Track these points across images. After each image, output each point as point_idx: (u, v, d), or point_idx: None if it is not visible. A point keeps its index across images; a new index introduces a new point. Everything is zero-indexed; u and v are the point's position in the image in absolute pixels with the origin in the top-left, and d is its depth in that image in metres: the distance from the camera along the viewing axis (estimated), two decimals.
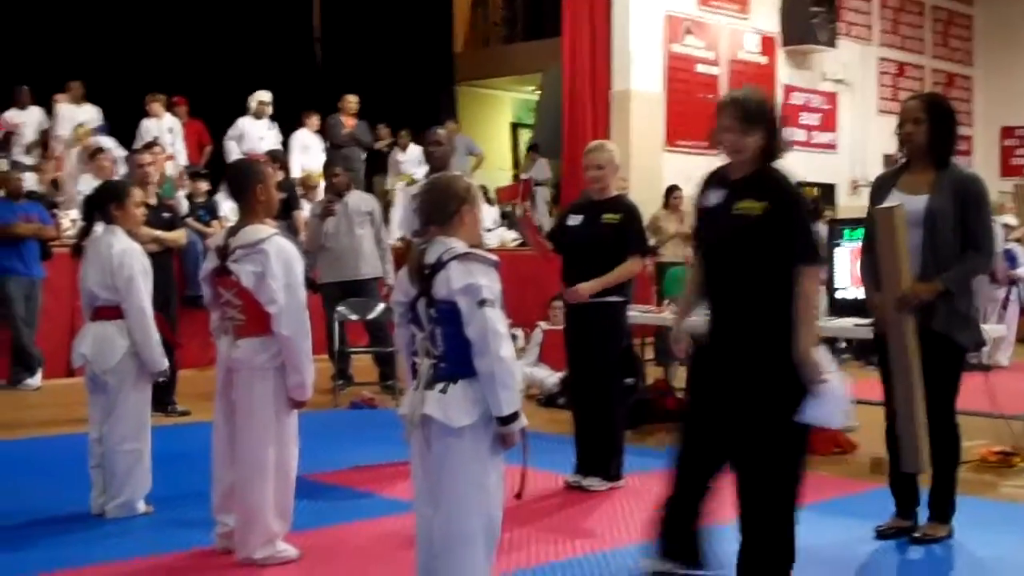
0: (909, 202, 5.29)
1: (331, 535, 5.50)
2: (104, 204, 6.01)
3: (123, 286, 5.79)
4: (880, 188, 5.58)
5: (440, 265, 3.81)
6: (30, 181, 12.10)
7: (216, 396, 5.25)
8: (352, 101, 14.88)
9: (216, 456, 5.25)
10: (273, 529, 5.04)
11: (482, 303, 3.74)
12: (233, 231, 5.11)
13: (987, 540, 5.55)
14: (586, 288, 6.51)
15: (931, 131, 5.35)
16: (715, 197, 4.47)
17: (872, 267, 5.47)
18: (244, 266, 4.96)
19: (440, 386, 3.82)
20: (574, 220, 6.80)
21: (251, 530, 5.00)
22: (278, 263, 4.95)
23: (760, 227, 4.24)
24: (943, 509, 5.48)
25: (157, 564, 5.09)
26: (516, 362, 3.82)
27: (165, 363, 5.98)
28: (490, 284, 3.78)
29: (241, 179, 5.23)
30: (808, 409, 4.18)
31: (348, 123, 14.84)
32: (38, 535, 5.49)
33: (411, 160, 15.08)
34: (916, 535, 5.45)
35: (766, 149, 4.40)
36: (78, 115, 13.74)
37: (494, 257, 3.88)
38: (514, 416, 3.77)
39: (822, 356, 4.24)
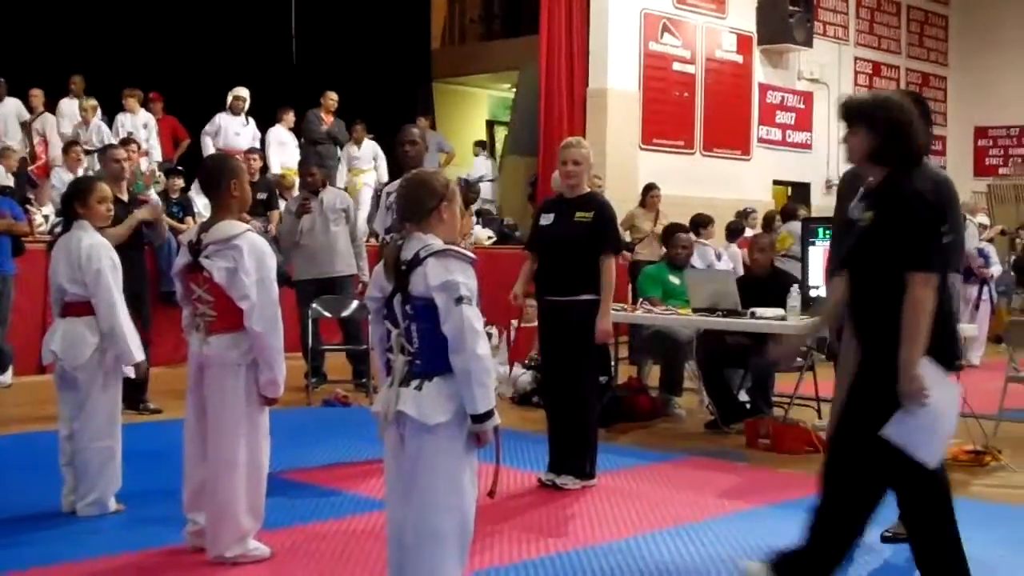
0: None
1: (303, 533, 5.48)
2: (75, 200, 5.99)
3: (91, 280, 5.75)
4: (848, 185, 5.43)
5: (417, 261, 3.79)
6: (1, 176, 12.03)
7: (187, 393, 5.21)
8: (332, 98, 14.82)
9: (187, 453, 5.22)
10: (244, 527, 5.02)
11: (459, 300, 3.72)
12: (205, 227, 5.07)
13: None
14: (607, 324, 6.55)
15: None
16: (855, 209, 4.35)
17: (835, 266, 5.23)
18: (216, 262, 4.92)
19: (415, 383, 3.80)
20: (546, 219, 6.78)
21: (222, 528, 4.98)
22: (251, 259, 4.91)
23: (869, 236, 4.16)
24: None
25: (128, 562, 5.06)
26: (492, 360, 3.81)
27: (140, 355, 5.93)
28: (467, 281, 3.76)
29: (215, 174, 5.18)
30: (894, 425, 4.00)
31: (327, 120, 14.79)
32: (9, 533, 5.45)
33: (365, 156, 15.05)
34: (886, 533, 5.42)
35: (876, 152, 4.24)
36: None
37: (471, 254, 3.87)
38: (489, 414, 3.76)
39: (930, 371, 4.00)
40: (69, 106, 13.87)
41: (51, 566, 4.96)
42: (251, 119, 14.39)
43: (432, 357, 3.79)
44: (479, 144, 18.31)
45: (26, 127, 13.77)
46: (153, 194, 11.91)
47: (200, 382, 5.09)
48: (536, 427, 7.74)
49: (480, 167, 17.54)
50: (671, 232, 9.93)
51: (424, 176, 4.11)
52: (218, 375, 5.00)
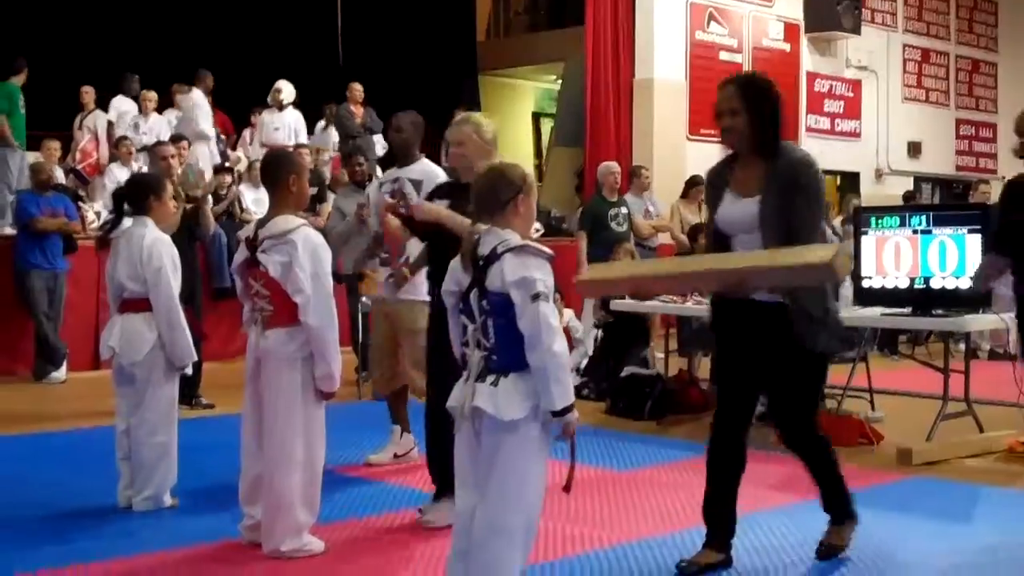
0: (742, 209, 4.71)
1: (357, 527, 5.51)
2: (141, 196, 6.01)
3: (152, 277, 5.80)
4: (713, 188, 4.96)
5: (494, 257, 3.79)
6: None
7: (245, 387, 5.25)
8: (358, 89, 14.70)
9: (244, 447, 5.26)
10: (300, 521, 5.05)
11: (535, 297, 3.71)
12: (262, 222, 5.14)
13: (1014, 531, 5.52)
14: (438, 210, 5.47)
15: (752, 121, 4.69)
16: None
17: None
18: (272, 256, 4.98)
19: (491, 378, 3.80)
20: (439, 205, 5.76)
21: (278, 521, 5.01)
22: (305, 253, 4.97)
23: None
24: (839, 510, 5.05)
25: (184, 556, 5.10)
26: (568, 356, 3.80)
27: (193, 356, 6.00)
28: (544, 278, 3.76)
29: (275, 168, 5.26)
30: None
31: (357, 112, 14.78)
32: (66, 528, 5.51)
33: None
34: (819, 547, 5.04)
35: None
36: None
37: (549, 250, 3.84)
38: (567, 409, 3.74)
39: None
40: (124, 103, 13.96)
41: (108, 560, 5.00)
42: (296, 113, 14.42)
43: (508, 353, 3.78)
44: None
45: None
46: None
47: (257, 376, 5.13)
48: (585, 420, 7.73)
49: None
50: (695, 232, 9.99)
51: (501, 168, 4.08)
52: (275, 369, 5.05)
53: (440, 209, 5.47)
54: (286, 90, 14.27)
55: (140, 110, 13.82)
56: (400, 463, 6.93)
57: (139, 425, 5.83)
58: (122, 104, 14.00)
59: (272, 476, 5.03)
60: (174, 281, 5.89)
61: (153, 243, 5.84)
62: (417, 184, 6.63)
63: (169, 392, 5.94)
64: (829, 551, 5.02)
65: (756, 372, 4.80)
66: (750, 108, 4.70)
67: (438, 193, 5.91)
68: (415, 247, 6.25)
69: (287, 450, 5.02)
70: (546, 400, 3.72)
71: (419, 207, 5.65)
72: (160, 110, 13.97)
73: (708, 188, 5.05)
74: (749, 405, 4.93)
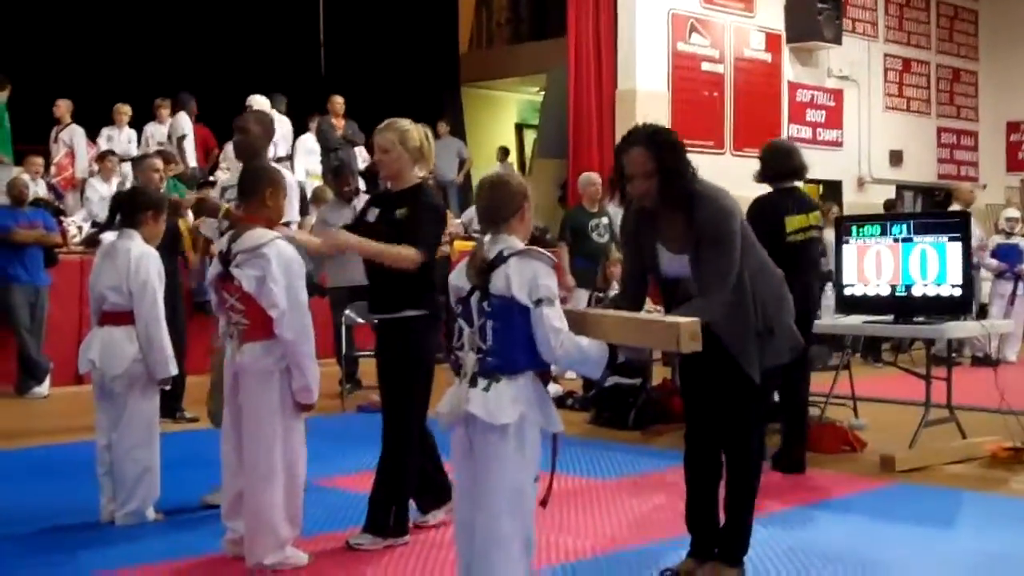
0: (679, 263, 4.61)
1: (341, 540, 5.48)
2: (138, 209, 5.98)
3: (137, 290, 5.77)
4: (639, 237, 4.77)
5: (500, 260, 3.86)
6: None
7: (225, 402, 5.23)
8: (339, 102, 14.74)
9: (225, 461, 5.25)
10: (282, 535, 5.03)
11: (539, 302, 3.79)
12: (235, 236, 5.08)
13: (997, 536, 5.54)
14: (345, 239, 5.38)
15: (668, 179, 4.55)
16: None
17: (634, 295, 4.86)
18: (246, 271, 4.94)
19: (483, 383, 3.85)
20: (371, 215, 5.61)
21: (260, 535, 4.99)
22: (279, 267, 4.92)
23: None
24: (733, 549, 4.81)
25: (167, 570, 5.08)
26: (581, 351, 3.85)
27: (174, 370, 5.96)
28: (547, 282, 3.83)
29: (252, 181, 5.21)
30: None
31: (338, 124, 14.76)
32: (49, 542, 5.49)
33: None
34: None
35: None
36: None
37: (552, 256, 3.93)
38: (613, 358, 3.91)
39: None
40: (157, 129, 13.94)
41: (90, 574, 4.98)
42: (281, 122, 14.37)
43: (503, 355, 3.84)
44: (502, 150, 18.22)
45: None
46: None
47: (236, 390, 5.10)
48: (570, 430, 7.74)
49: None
50: None
51: (508, 179, 4.18)
52: (252, 383, 5.02)
53: (348, 238, 5.34)
54: (255, 104, 14.21)
55: (114, 122, 13.79)
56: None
57: (120, 439, 5.80)
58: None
59: (253, 490, 5.00)
60: (159, 295, 5.87)
61: (141, 256, 5.82)
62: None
63: (149, 406, 5.92)
64: None
65: (710, 387, 4.74)
66: (663, 167, 4.56)
67: (372, 203, 5.70)
68: None
69: (267, 464, 4.99)
70: (588, 372, 3.97)
71: (327, 237, 5.59)
72: (134, 124, 13.94)
73: (631, 238, 4.81)
74: (714, 416, 4.80)
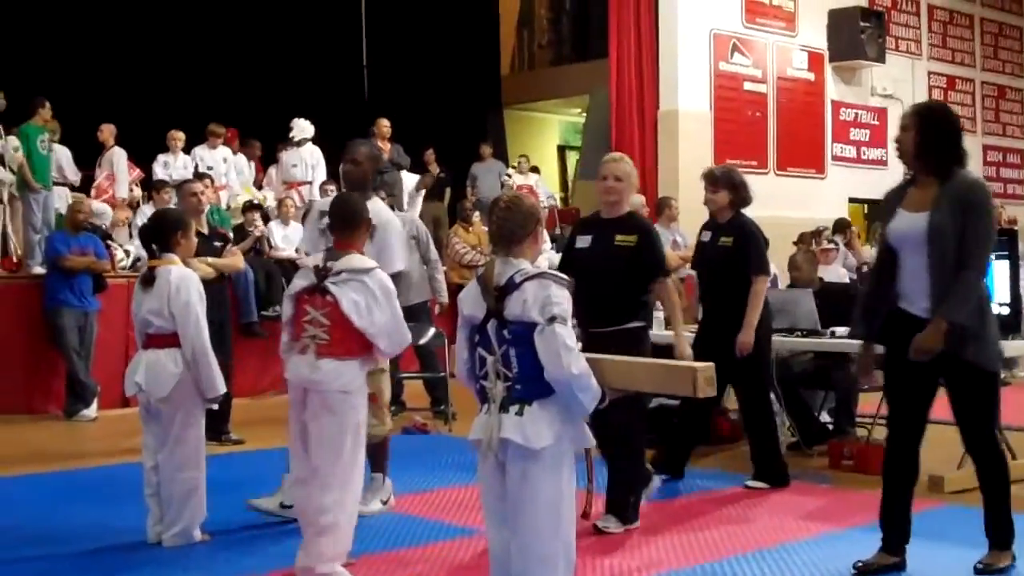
0: (912, 222, 5.03)
1: (382, 561, 5.49)
2: (166, 233, 6.06)
3: (180, 311, 5.81)
4: (888, 205, 5.29)
5: (513, 286, 3.84)
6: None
7: (290, 417, 5.22)
8: (385, 125, 14.71)
9: (294, 475, 5.26)
10: (342, 547, 5.08)
11: (552, 320, 3.76)
12: (333, 256, 5.18)
13: None
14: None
15: (918, 138, 5.07)
16: None
17: (872, 298, 5.32)
18: (345, 290, 5.05)
19: (515, 408, 3.83)
20: (583, 241, 6.28)
21: (323, 544, 5.00)
22: (381, 291, 5.10)
23: None
24: (1003, 536, 5.18)
25: None
26: (591, 376, 3.82)
27: (223, 388, 5.99)
28: (561, 301, 3.81)
29: (356, 215, 5.36)
30: None
31: (384, 147, 14.78)
32: (97, 564, 5.53)
33: None
34: (978, 565, 5.16)
35: None
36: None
37: (566, 277, 3.92)
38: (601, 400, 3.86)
39: None
40: (207, 154, 14.08)
41: None
42: (314, 148, 14.40)
43: (532, 381, 3.82)
44: (534, 170, 18.20)
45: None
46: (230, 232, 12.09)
47: (303, 405, 5.13)
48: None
49: (540, 191, 17.39)
50: None
51: (524, 201, 4.16)
52: (328, 398, 5.06)
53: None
54: (297, 127, 14.29)
55: (168, 149, 13.91)
56: (386, 509, 6.64)
57: (167, 461, 5.84)
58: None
59: (322, 498, 5.03)
60: (202, 314, 5.91)
61: (180, 278, 5.87)
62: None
63: (196, 427, 5.95)
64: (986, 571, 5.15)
65: (923, 385, 5.08)
66: (919, 127, 5.09)
67: (582, 229, 6.46)
68: None
69: (340, 476, 5.06)
70: (579, 410, 3.82)
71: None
72: (187, 150, 14.06)
73: (883, 205, 5.40)
74: (920, 417, 5.19)
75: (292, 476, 5.30)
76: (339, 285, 5.06)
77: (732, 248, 7.07)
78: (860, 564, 5.16)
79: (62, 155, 12.79)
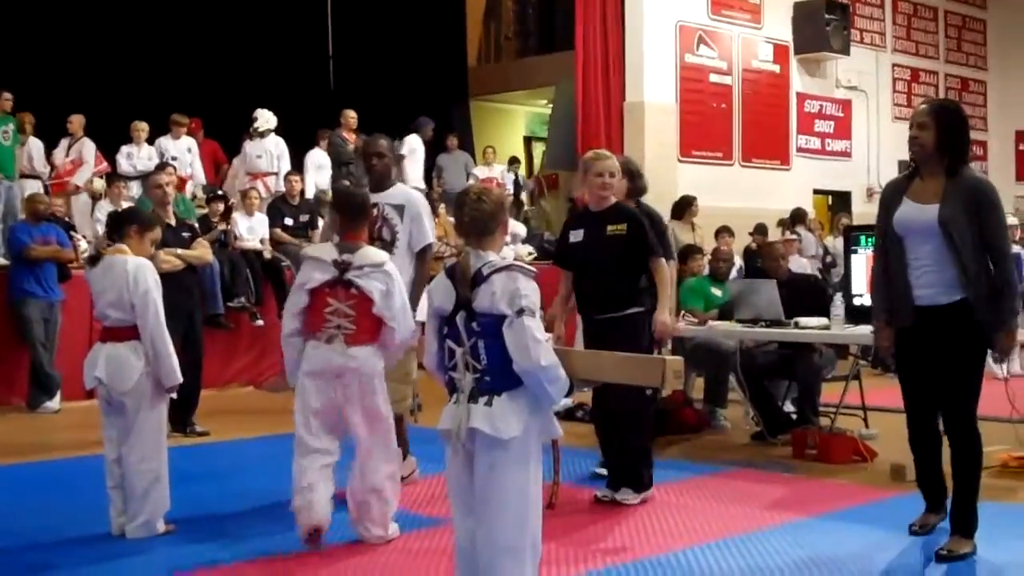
0: (920, 212, 5.33)
1: (352, 551, 5.49)
2: (123, 224, 6.05)
3: (139, 301, 5.78)
4: (892, 195, 5.57)
5: (481, 278, 3.84)
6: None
7: (317, 400, 5.59)
8: (352, 116, 14.72)
9: (319, 449, 5.63)
10: (392, 507, 5.73)
11: (520, 312, 3.76)
12: (348, 249, 5.61)
13: (1007, 546, 5.52)
14: (665, 316, 6.39)
15: (938, 137, 5.32)
16: None
17: (885, 286, 5.56)
18: (372, 282, 5.52)
19: (484, 399, 3.83)
20: (575, 236, 6.57)
21: (378, 509, 5.62)
22: (397, 283, 5.63)
23: None
24: (966, 524, 5.34)
25: None
26: (560, 367, 3.83)
27: (180, 377, 5.96)
28: (530, 294, 3.81)
29: (362, 209, 5.84)
30: None
31: (351, 138, 14.75)
32: (60, 556, 5.49)
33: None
34: (941, 551, 5.29)
35: None
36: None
37: (534, 269, 3.93)
38: (569, 393, 3.93)
39: None
40: (171, 144, 13.99)
41: None
42: (278, 139, 14.33)
43: (501, 373, 3.83)
44: (513, 161, 18.27)
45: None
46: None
47: (335, 387, 5.57)
48: (582, 442, 7.74)
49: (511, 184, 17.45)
50: (685, 254, 10.06)
51: (494, 194, 4.17)
52: (367, 380, 5.59)
53: (664, 311, 6.45)
54: (262, 117, 14.21)
55: (132, 140, 13.81)
56: (406, 483, 6.86)
57: (129, 452, 5.81)
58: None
59: (375, 469, 5.60)
60: (160, 303, 5.88)
61: (137, 267, 5.84)
62: (399, 209, 6.68)
63: (158, 418, 5.94)
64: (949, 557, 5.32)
65: (932, 365, 5.37)
66: (938, 125, 5.33)
67: (573, 224, 6.69)
68: None
69: (393, 448, 5.74)
70: (546, 401, 3.86)
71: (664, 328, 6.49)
72: (151, 140, 13.97)
73: (886, 194, 5.65)
74: (931, 396, 5.46)
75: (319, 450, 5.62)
76: (364, 279, 5.52)
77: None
78: (915, 526, 5.65)
79: (34, 148, 12.74)
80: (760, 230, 14.34)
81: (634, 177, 7.15)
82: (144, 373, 5.80)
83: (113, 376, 5.80)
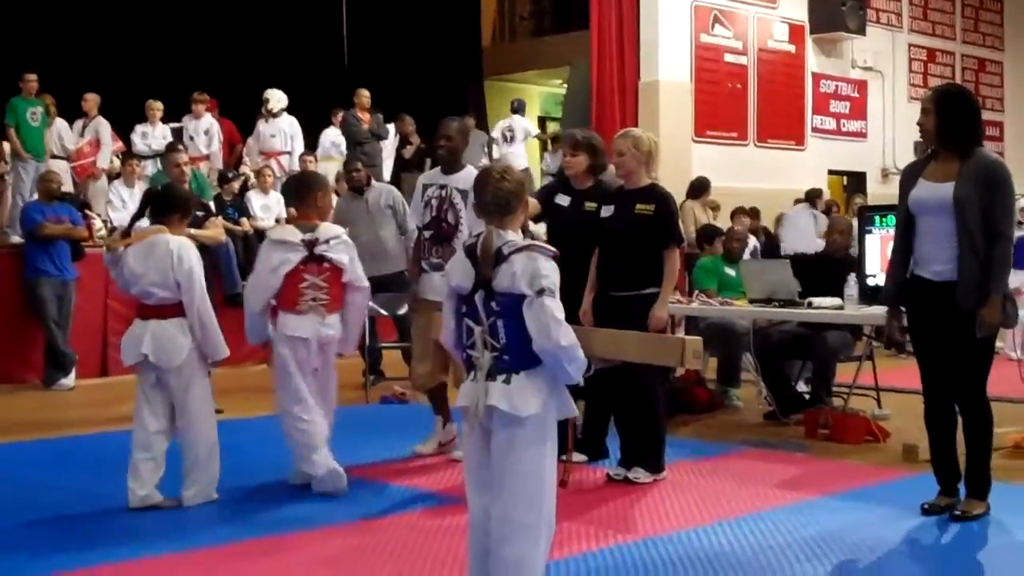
0: (935, 190, 5.50)
1: (364, 528, 5.53)
2: (168, 210, 6.12)
3: (184, 278, 5.87)
4: (908, 177, 5.73)
5: (501, 257, 3.84)
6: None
7: (303, 367, 6.17)
8: (365, 96, 14.68)
9: (314, 407, 6.20)
10: None
11: (541, 292, 3.76)
12: (308, 228, 6.17)
13: (1018, 525, 5.53)
14: (663, 312, 6.41)
15: (938, 121, 5.51)
16: None
17: (900, 266, 5.70)
18: (338, 254, 6.15)
19: (502, 377, 3.84)
20: (606, 211, 6.65)
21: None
22: (354, 251, 6.29)
23: None
24: (979, 486, 5.61)
25: (193, 557, 5.12)
26: (579, 347, 3.84)
27: (227, 350, 6.12)
28: (549, 274, 3.81)
29: (304, 187, 6.47)
30: None
31: (364, 118, 14.73)
32: (77, 531, 5.54)
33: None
34: (955, 512, 5.57)
35: None
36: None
37: (553, 249, 3.92)
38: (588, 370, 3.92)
39: None
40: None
41: (119, 562, 5.02)
42: (291, 119, 14.35)
43: (519, 352, 3.83)
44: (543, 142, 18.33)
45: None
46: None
47: (318, 354, 6.22)
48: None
49: (519, 159, 17.31)
50: (706, 233, 10.06)
51: (515, 174, 4.13)
52: (332, 347, 6.31)
53: (662, 305, 6.46)
54: (273, 98, 14.22)
55: (146, 119, 13.85)
56: (444, 451, 7.15)
57: (187, 426, 5.96)
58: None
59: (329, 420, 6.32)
60: (203, 281, 5.99)
61: (180, 246, 5.93)
62: (464, 194, 6.66)
63: (205, 390, 6.09)
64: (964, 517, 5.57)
65: (944, 341, 5.50)
66: (938, 110, 5.52)
67: (605, 200, 6.72)
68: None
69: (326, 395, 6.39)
70: (565, 379, 3.87)
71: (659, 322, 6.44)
72: (166, 120, 14.01)
73: (904, 176, 5.86)
74: (947, 373, 5.58)
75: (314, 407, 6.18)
76: (332, 251, 6.13)
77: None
78: (927, 505, 5.69)
79: (62, 128, 12.82)
80: (752, 213, 14.23)
81: (595, 152, 7.11)
82: (191, 348, 5.91)
83: (161, 352, 5.89)
